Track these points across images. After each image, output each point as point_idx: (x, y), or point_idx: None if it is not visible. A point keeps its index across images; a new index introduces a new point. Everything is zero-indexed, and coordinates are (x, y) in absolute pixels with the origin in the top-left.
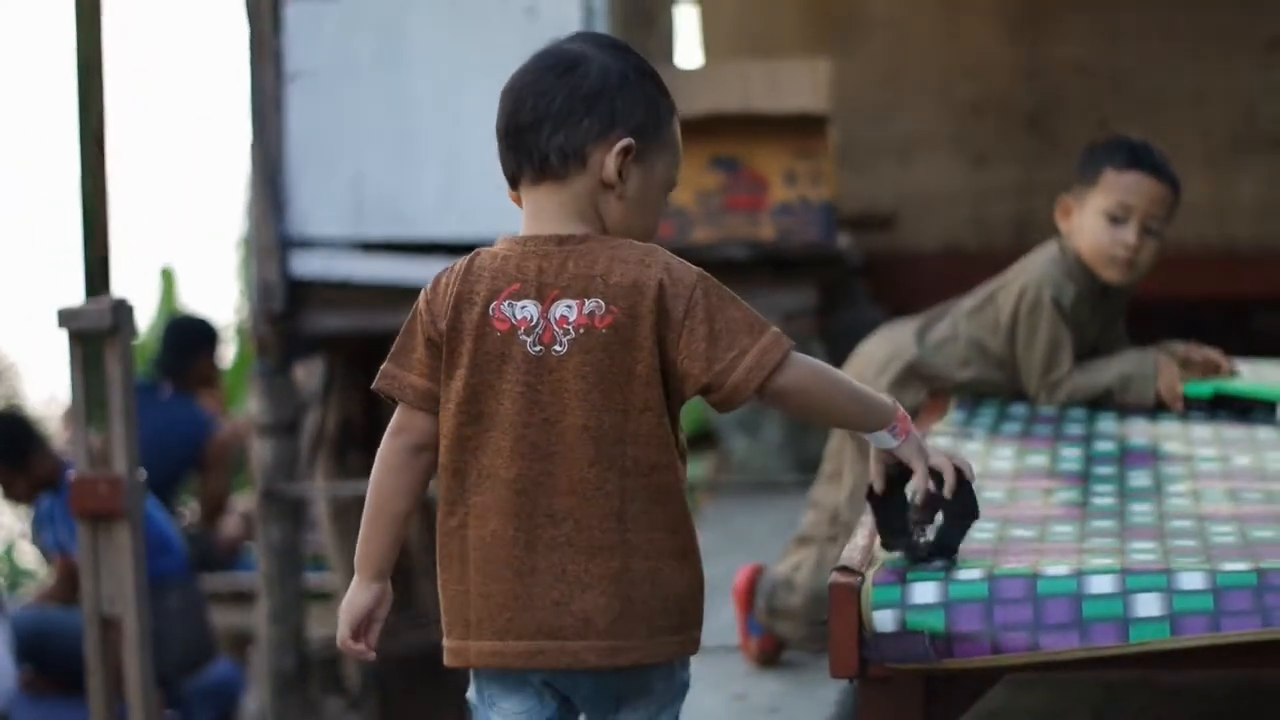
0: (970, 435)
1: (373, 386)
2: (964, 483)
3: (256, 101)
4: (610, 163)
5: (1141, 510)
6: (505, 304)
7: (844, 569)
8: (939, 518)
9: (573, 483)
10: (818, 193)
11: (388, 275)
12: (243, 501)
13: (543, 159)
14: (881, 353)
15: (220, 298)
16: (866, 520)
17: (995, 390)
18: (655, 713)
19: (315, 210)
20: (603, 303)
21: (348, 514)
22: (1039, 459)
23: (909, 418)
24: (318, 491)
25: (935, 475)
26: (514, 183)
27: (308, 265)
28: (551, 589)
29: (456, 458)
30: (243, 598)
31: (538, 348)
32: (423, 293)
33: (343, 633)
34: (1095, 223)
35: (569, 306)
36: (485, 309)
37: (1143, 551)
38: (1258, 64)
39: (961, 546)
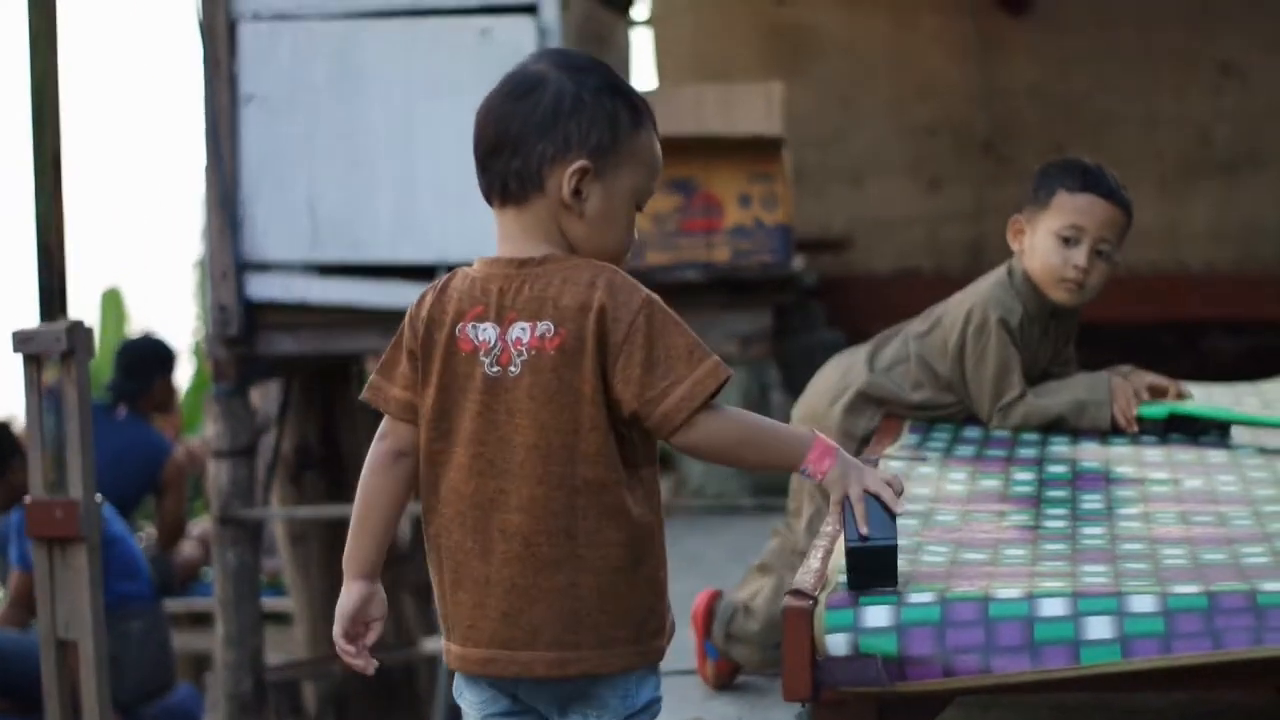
0: (924, 458)
1: (360, 396)
2: (878, 511)
3: (211, 124)
4: (566, 184)
5: (1093, 533)
6: (469, 326)
7: (797, 593)
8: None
9: (523, 500)
10: (772, 215)
11: (343, 298)
12: (199, 525)
13: (503, 183)
14: (834, 380)
15: (178, 319)
16: (820, 544)
17: (947, 413)
18: None
19: (271, 233)
20: (552, 325)
21: (305, 537)
22: (992, 482)
23: (829, 451)
24: (275, 515)
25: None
26: (489, 203)
27: (263, 288)
28: (503, 601)
29: (429, 471)
30: (200, 621)
31: (495, 369)
32: (409, 309)
33: (336, 635)
34: (1047, 243)
35: (523, 329)
36: (452, 330)
37: (1094, 574)
38: (1209, 89)
39: (914, 568)
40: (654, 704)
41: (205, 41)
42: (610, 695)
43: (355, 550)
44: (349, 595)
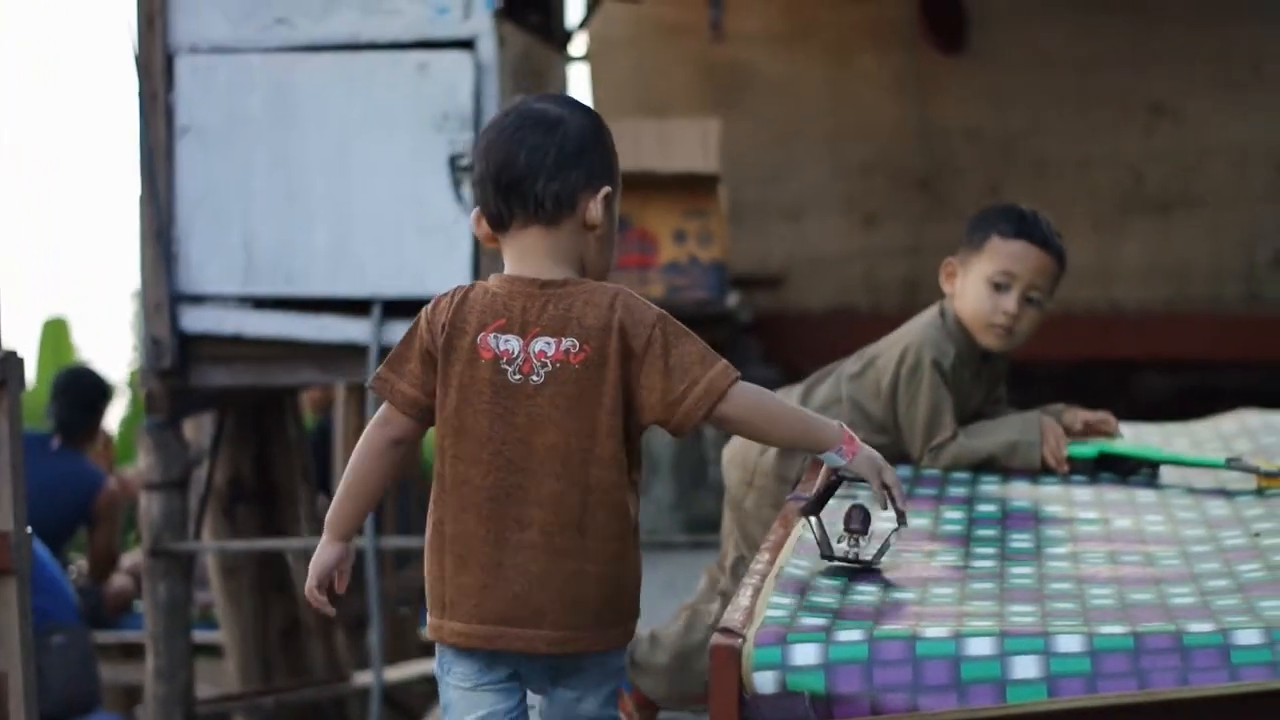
0: (854, 497)
1: (367, 385)
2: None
3: (147, 156)
4: (596, 208)
5: (1022, 572)
6: (491, 336)
7: (725, 630)
8: (873, 527)
9: (541, 495)
10: (707, 252)
11: (278, 331)
12: (131, 557)
13: (538, 205)
14: None
15: (115, 349)
16: (750, 581)
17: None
18: (586, 691)
19: (206, 265)
20: (577, 341)
21: (237, 570)
22: (922, 521)
23: (855, 438)
24: (207, 548)
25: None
26: (498, 224)
27: (198, 321)
28: (514, 584)
29: (440, 464)
30: (131, 653)
31: (517, 376)
32: (423, 312)
33: (309, 584)
34: (978, 289)
35: (547, 343)
36: (474, 338)
37: (1021, 614)
38: (1142, 129)
39: (843, 607)
40: (622, 670)
41: (141, 74)
42: (596, 669)
43: (338, 516)
44: (326, 553)
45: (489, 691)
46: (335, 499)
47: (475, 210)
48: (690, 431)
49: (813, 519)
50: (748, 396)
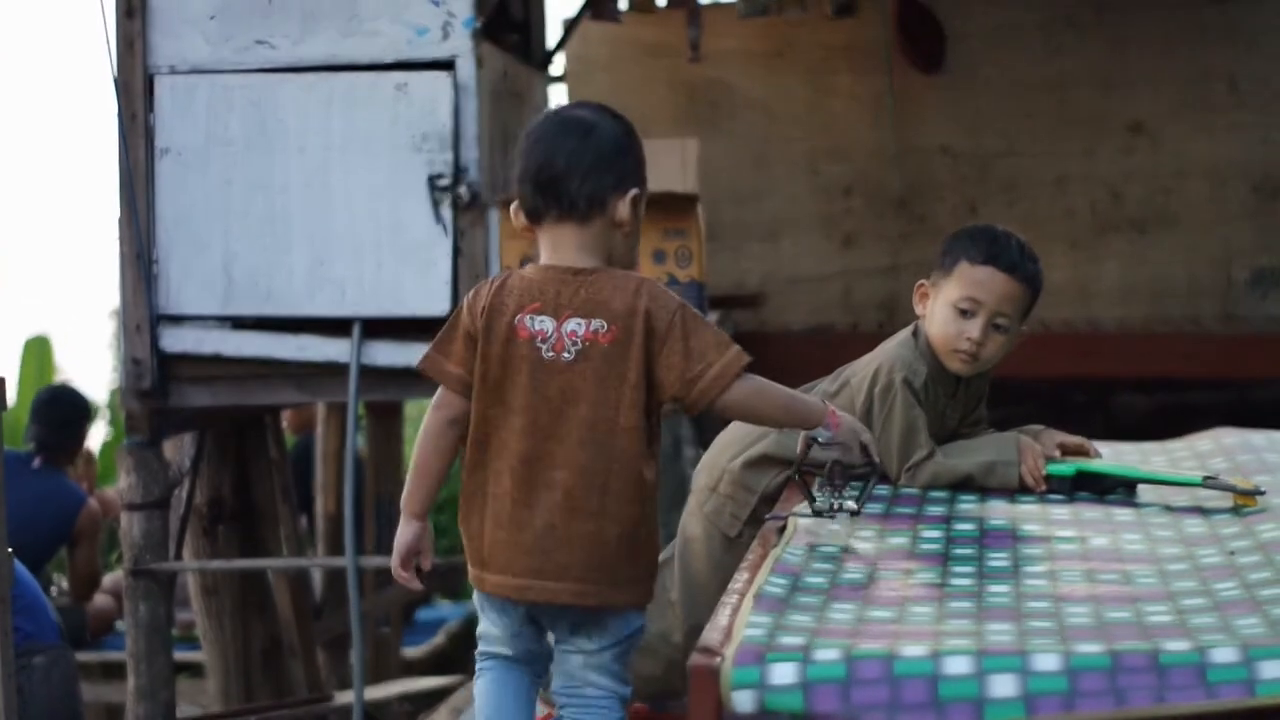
0: (833, 516)
1: (417, 366)
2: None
3: (126, 177)
4: (624, 208)
5: (999, 591)
6: (527, 317)
7: (704, 649)
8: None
9: (569, 460)
10: (686, 271)
11: (257, 351)
12: (113, 576)
13: (571, 203)
14: (740, 435)
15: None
16: (729, 601)
17: (858, 473)
18: (603, 645)
19: (186, 286)
20: (605, 323)
21: (217, 590)
22: (900, 539)
23: (837, 411)
24: (187, 568)
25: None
26: (534, 217)
27: (178, 341)
28: (542, 539)
29: (480, 432)
30: (112, 672)
31: (550, 354)
32: (465, 299)
33: (394, 564)
34: (945, 313)
35: (578, 324)
36: (512, 319)
37: (999, 633)
38: (1119, 148)
39: (821, 626)
40: (639, 631)
41: (121, 95)
42: (614, 622)
43: (413, 495)
44: (406, 532)
45: (515, 636)
46: (407, 480)
47: (515, 204)
48: (704, 408)
49: (797, 477)
50: (753, 382)
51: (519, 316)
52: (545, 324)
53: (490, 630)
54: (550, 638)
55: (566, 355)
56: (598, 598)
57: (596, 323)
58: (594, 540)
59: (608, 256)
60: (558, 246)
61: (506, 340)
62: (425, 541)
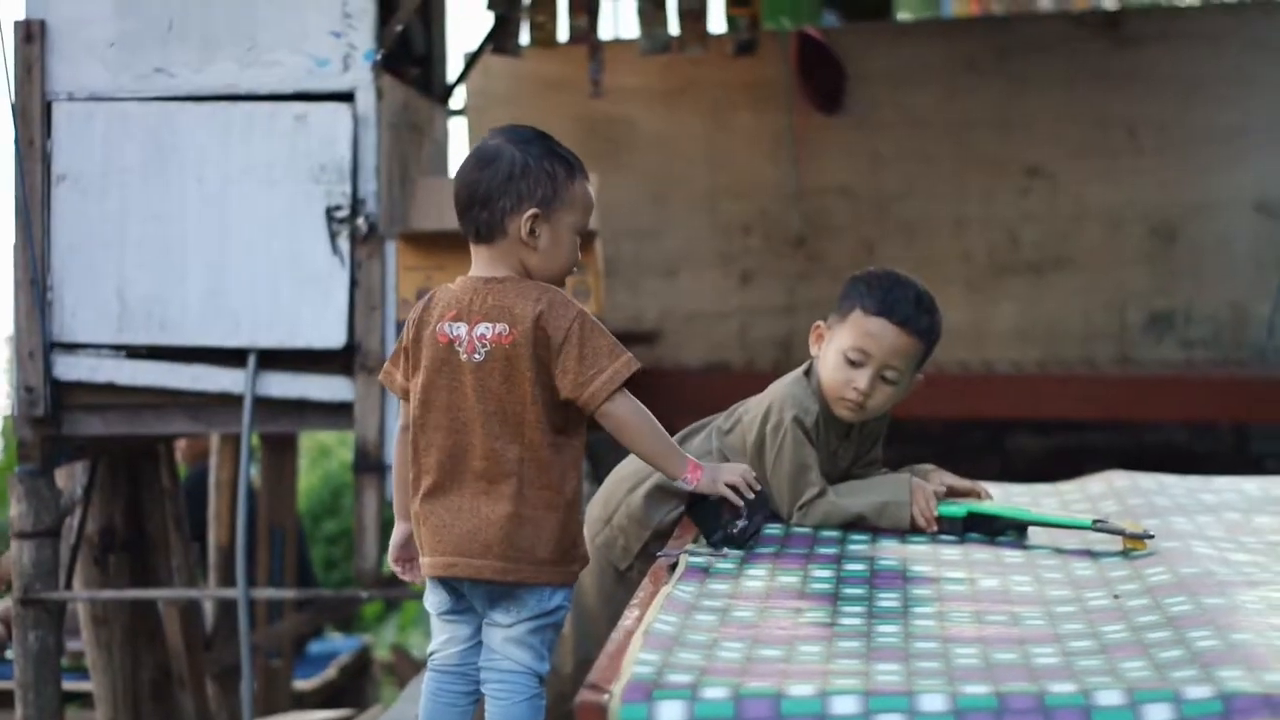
0: (724, 554)
1: (379, 378)
2: (755, 489)
3: (22, 202)
4: (522, 228)
5: (888, 631)
6: (446, 324)
7: (592, 686)
8: (745, 514)
9: (485, 452)
10: (583, 306)
11: (152, 380)
12: (2, 605)
13: (476, 229)
14: (636, 469)
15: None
16: (618, 637)
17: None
18: (519, 619)
19: (80, 314)
20: (507, 326)
21: (108, 620)
22: (791, 578)
23: (699, 466)
24: (78, 597)
25: (734, 488)
26: (469, 241)
27: (71, 369)
28: (467, 522)
29: (416, 432)
30: (0, 701)
31: (464, 356)
32: (410, 314)
33: (390, 560)
34: (835, 359)
35: (486, 328)
36: (434, 327)
37: (887, 673)
38: (1017, 191)
39: (710, 664)
40: (560, 609)
41: (18, 121)
42: (530, 598)
43: (396, 501)
44: (399, 532)
45: (449, 621)
46: (394, 490)
47: None
48: (596, 409)
49: (691, 515)
50: (636, 402)
51: (439, 324)
52: (460, 329)
53: (434, 634)
54: None
55: (477, 356)
56: (516, 575)
57: (500, 326)
58: (512, 522)
59: (522, 269)
60: (476, 263)
61: (431, 346)
62: (413, 540)
